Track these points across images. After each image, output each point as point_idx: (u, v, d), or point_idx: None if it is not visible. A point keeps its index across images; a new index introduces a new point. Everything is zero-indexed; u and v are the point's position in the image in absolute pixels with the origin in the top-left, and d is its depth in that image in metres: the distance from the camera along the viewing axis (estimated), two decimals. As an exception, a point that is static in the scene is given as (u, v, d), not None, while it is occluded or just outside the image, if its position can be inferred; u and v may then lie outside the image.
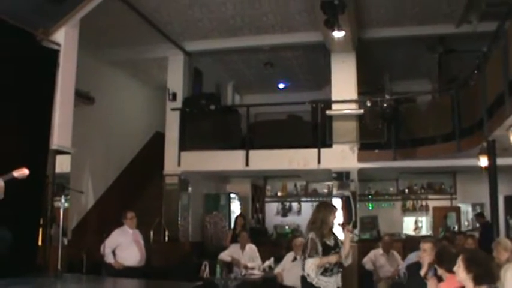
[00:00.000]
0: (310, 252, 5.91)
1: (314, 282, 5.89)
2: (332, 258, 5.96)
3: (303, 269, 6.02)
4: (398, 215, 14.92)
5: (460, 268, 3.95)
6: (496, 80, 7.74)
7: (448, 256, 4.76)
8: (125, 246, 8.50)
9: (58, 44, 8.72)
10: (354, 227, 11.53)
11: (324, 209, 6.22)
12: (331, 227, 6.12)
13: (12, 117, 7.71)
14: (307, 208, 14.89)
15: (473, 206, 14.02)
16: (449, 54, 12.68)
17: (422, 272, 5.64)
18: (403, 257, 9.50)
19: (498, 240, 6.59)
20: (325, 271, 5.97)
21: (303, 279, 6.05)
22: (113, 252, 8.43)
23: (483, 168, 9.27)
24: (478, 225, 12.99)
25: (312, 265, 5.89)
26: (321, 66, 13.61)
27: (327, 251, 5.96)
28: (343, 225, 6.24)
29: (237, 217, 11.82)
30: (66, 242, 8.31)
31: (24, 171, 5.98)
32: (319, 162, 11.97)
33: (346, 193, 11.72)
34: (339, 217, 11.46)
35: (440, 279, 5.13)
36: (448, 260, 4.65)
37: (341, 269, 6.15)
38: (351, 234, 6.13)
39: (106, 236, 8.50)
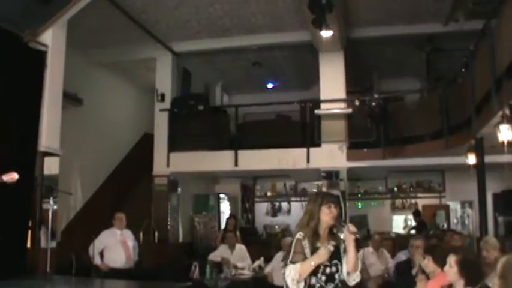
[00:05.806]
0: (294, 256, 4.14)
1: None
2: (318, 257, 4.08)
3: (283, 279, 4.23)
4: (388, 213, 14.99)
5: (452, 270, 3.95)
6: (484, 78, 7.77)
7: (441, 253, 4.76)
8: (111, 247, 8.53)
9: (45, 45, 8.67)
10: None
11: (314, 200, 4.35)
12: (329, 227, 4.24)
13: (-1, 119, 7.66)
14: (297, 208, 15.03)
15: (462, 203, 14.11)
16: (437, 52, 12.73)
17: (415, 272, 5.64)
18: (393, 256, 9.54)
19: (486, 239, 6.57)
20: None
21: None
22: (101, 254, 8.43)
23: (471, 166, 9.31)
24: (413, 223, 13.18)
25: (291, 272, 4.09)
26: (309, 66, 13.61)
27: None
28: (336, 221, 4.21)
29: (228, 218, 11.84)
30: (55, 244, 8.28)
31: (14, 176, 5.90)
32: (308, 161, 11.96)
33: (336, 192, 11.73)
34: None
35: (427, 277, 5.14)
36: (442, 256, 4.65)
37: None
38: (353, 236, 4.11)
39: (95, 237, 8.49)
